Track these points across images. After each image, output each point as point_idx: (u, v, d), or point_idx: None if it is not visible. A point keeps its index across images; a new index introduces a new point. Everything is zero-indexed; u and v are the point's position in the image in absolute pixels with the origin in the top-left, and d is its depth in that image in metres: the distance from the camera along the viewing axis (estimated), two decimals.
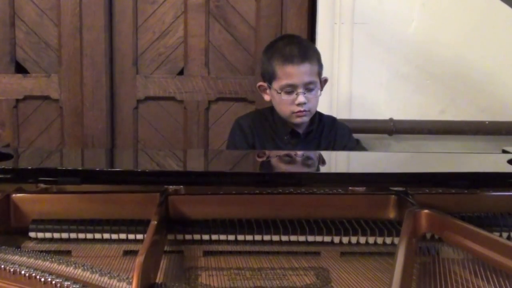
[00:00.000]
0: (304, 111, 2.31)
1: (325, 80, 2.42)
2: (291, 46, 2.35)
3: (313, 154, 2.09)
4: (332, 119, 2.50)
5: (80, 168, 1.53)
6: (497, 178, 1.53)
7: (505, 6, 2.26)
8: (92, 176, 1.48)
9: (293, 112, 2.32)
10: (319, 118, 2.45)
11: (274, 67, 2.33)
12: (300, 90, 2.29)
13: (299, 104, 2.29)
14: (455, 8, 2.80)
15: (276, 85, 2.33)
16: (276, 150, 2.30)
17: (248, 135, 2.41)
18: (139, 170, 1.58)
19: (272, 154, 2.03)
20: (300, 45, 2.37)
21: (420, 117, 2.84)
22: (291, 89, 2.30)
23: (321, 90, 2.39)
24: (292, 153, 2.06)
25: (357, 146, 2.53)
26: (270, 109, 2.46)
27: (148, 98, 3.03)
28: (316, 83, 2.33)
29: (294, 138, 2.39)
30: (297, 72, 2.29)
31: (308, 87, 2.31)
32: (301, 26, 2.93)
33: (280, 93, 2.31)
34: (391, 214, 1.54)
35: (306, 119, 2.35)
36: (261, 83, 2.43)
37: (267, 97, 2.42)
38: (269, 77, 2.36)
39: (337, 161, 1.93)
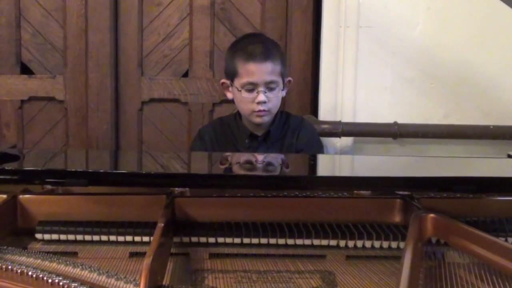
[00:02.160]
0: (264, 110, 2.31)
1: (289, 81, 2.44)
2: (254, 44, 2.35)
3: (309, 157, 2.09)
4: (299, 120, 2.49)
5: (87, 170, 1.53)
6: (503, 183, 1.53)
7: (510, 11, 2.26)
8: (98, 178, 1.49)
9: (253, 111, 2.32)
10: (285, 120, 2.45)
11: (236, 65, 2.33)
12: (261, 88, 2.29)
13: (259, 103, 2.29)
14: (460, 12, 2.80)
15: (237, 82, 2.33)
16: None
17: (208, 144, 2.41)
18: (146, 172, 1.59)
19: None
20: (264, 44, 2.37)
21: (424, 121, 2.85)
22: (251, 87, 2.30)
23: (284, 90, 2.39)
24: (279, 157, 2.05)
25: (319, 150, 2.51)
26: (234, 116, 2.47)
27: (152, 100, 3.03)
28: (278, 83, 2.32)
29: (253, 141, 2.40)
30: (259, 71, 2.29)
31: (269, 86, 2.30)
32: (306, 29, 2.93)
33: (240, 90, 2.32)
34: (397, 218, 1.54)
35: (266, 118, 2.35)
36: (223, 80, 2.43)
37: (229, 95, 2.42)
38: (231, 75, 2.36)
39: (344, 165, 1.93)
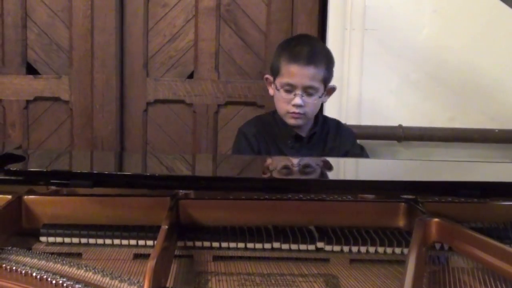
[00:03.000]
0: (299, 113, 2.29)
1: (332, 89, 2.39)
2: (302, 46, 2.33)
3: (319, 160, 2.08)
4: (336, 123, 2.48)
5: (92, 171, 1.53)
6: (507, 188, 1.53)
7: None
8: (103, 180, 1.49)
9: (288, 112, 2.31)
10: (323, 121, 2.43)
11: (280, 63, 2.32)
12: (299, 91, 2.27)
13: (294, 105, 2.28)
14: (466, 15, 2.80)
15: (278, 81, 2.32)
16: (282, 156, 2.29)
17: (253, 143, 2.39)
18: (150, 174, 1.59)
19: (279, 160, 2.02)
20: (312, 47, 2.34)
21: (429, 124, 2.84)
22: (290, 88, 2.28)
23: (326, 97, 2.37)
24: (299, 159, 2.05)
25: (362, 152, 2.51)
26: (272, 114, 2.45)
27: (157, 101, 3.04)
28: (318, 89, 2.29)
29: (297, 142, 2.38)
30: (299, 73, 2.27)
31: (307, 91, 2.28)
32: (312, 32, 2.93)
33: (279, 90, 2.31)
34: (401, 222, 1.54)
35: (300, 121, 2.33)
36: (267, 75, 2.43)
37: (271, 91, 2.41)
38: (275, 72, 2.35)
39: (347, 168, 1.93)
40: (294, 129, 2.37)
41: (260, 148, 2.37)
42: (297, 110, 2.28)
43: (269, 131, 2.41)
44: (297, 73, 2.27)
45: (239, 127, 2.50)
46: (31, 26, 3.01)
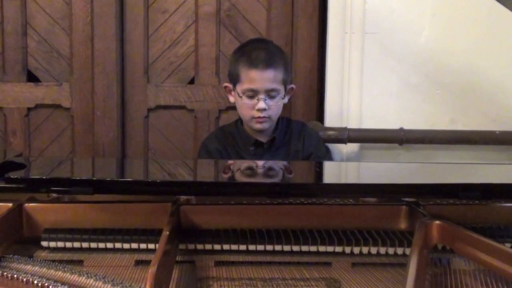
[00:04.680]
0: (264, 117, 2.32)
1: (292, 89, 2.44)
2: (258, 51, 2.36)
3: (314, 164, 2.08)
4: (301, 125, 2.51)
5: (92, 178, 1.53)
6: (509, 189, 1.53)
7: None
8: (104, 186, 1.49)
9: (253, 117, 2.33)
10: (287, 125, 2.45)
11: (239, 70, 2.34)
12: (261, 96, 2.30)
13: (258, 110, 2.30)
14: (466, 18, 2.80)
15: (239, 88, 2.35)
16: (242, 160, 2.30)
17: (214, 155, 2.41)
18: (151, 180, 1.59)
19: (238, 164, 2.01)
20: (268, 51, 2.37)
21: (430, 126, 2.84)
22: (252, 93, 2.31)
23: (286, 98, 2.40)
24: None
25: (326, 155, 2.53)
26: (234, 123, 2.48)
27: (159, 107, 3.04)
28: (279, 91, 2.33)
29: (258, 148, 2.40)
30: (260, 78, 2.30)
31: (270, 94, 2.31)
32: (312, 36, 2.93)
33: (241, 96, 2.32)
34: (402, 225, 1.54)
35: (266, 125, 2.36)
36: (226, 84, 2.46)
37: (231, 99, 2.44)
38: (234, 80, 2.38)
39: (349, 172, 1.93)
40: (256, 135, 2.40)
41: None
42: (262, 115, 2.32)
43: (231, 142, 2.45)
44: (257, 78, 2.30)
45: (203, 140, 2.55)
46: (31, 34, 3.01)
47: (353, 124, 2.81)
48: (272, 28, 2.99)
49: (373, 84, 2.83)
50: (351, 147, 2.84)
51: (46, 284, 1.21)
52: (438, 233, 1.39)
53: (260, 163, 2.09)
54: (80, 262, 1.43)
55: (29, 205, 1.53)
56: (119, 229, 1.49)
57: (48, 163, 1.94)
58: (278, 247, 1.47)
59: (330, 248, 1.47)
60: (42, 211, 1.53)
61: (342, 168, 1.98)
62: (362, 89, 2.82)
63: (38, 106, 3.03)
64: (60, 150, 3.06)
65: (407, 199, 1.57)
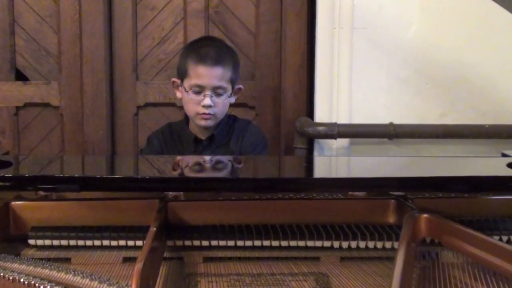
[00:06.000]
0: (209, 114, 2.33)
1: (239, 89, 2.46)
2: (208, 47, 2.37)
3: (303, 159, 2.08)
4: (245, 124, 2.51)
5: (79, 175, 1.53)
6: (496, 182, 1.53)
7: (504, 10, 2.26)
8: (91, 183, 1.48)
9: (198, 113, 2.34)
10: (231, 124, 2.46)
11: (187, 65, 2.35)
12: (208, 92, 2.31)
13: (204, 106, 2.31)
14: (454, 12, 2.80)
15: (186, 83, 2.36)
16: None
17: (156, 150, 2.44)
18: (138, 176, 1.58)
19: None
20: (218, 48, 2.39)
21: (420, 121, 2.84)
22: (199, 89, 2.33)
23: (233, 97, 2.42)
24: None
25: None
26: (182, 120, 2.50)
27: (148, 104, 3.03)
28: (226, 89, 2.35)
29: (198, 145, 2.42)
30: (207, 74, 2.31)
31: (216, 91, 2.33)
32: (301, 31, 2.93)
33: (188, 91, 2.33)
34: (391, 219, 1.54)
35: (210, 122, 2.37)
36: (174, 79, 2.47)
37: (178, 94, 2.46)
38: (182, 74, 2.39)
39: (337, 166, 1.93)
40: (198, 133, 2.42)
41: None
42: (207, 111, 2.33)
43: (175, 137, 2.47)
44: (205, 74, 2.32)
45: (149, 134, 2.59)
46: (19, 32, 2.99)
47: (343, 120, 2.81)
48: (260, 24, 2.98)
49: (363, 79, 2.83)
50: (341, 143, 2.84)
51: (33, 282, 1.21)
52: (426, 226, 1.38)
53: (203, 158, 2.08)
54: (67, 260, 1.43)
55: (16, 203, 1.52)
56: (106, 226, 1.49)
57: (36, 161, 1.93)
58: (266, 243, 1.46)
59: (318, 243, 1.47)
60: (29, 209, 1.52)
61: (331, 162, 1.98)
62: (352, 84, 2.82)
63: (27, 105, 3.02)
64: (49, 148, 3.05)
65: (395, 193, 1.57)
